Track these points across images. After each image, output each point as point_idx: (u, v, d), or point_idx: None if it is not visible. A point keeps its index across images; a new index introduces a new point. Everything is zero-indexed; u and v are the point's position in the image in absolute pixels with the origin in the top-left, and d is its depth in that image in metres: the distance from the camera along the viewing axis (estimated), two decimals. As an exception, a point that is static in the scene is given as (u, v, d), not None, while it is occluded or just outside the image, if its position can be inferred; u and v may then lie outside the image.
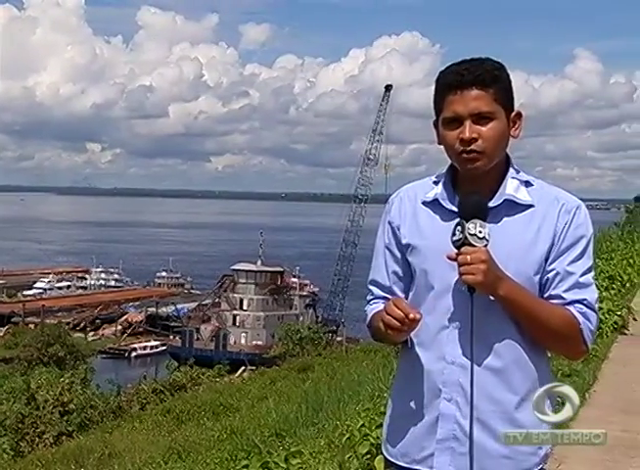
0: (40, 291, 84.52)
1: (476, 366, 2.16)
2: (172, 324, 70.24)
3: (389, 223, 2.36)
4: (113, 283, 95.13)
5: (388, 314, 2.13)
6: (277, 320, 63.11)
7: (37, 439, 20.07)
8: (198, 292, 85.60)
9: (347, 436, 5.39)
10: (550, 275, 2.20)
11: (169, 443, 12.76)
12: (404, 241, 2.31)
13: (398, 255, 2.34)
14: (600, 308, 8.67)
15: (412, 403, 2.27)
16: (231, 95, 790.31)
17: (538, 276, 2.20)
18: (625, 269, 12.94)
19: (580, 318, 2.18)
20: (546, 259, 2.20)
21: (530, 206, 2.21)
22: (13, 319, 70.63)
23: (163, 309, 74.63)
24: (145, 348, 66.18)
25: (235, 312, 65.80)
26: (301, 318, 64.61)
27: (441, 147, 2.26)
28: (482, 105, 2.16)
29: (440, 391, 2.21)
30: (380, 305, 2.32)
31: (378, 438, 4.76)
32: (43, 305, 71.36)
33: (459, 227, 2.13)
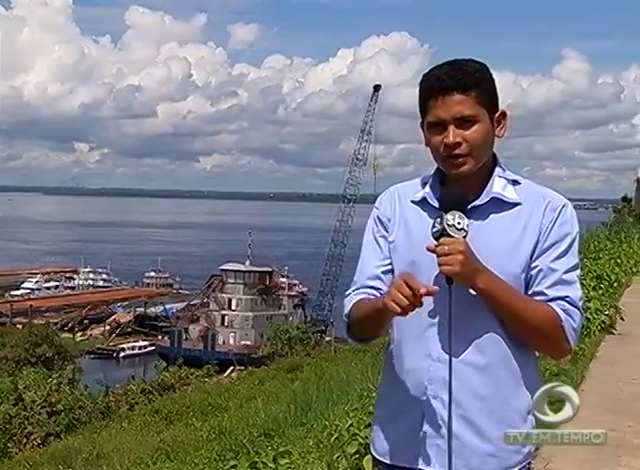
0: (28, 291, 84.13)
1: (460, 363, 2.16)
2: (161, 324, 69.93)
3: (379, 217, 2.37)
4: (101, 283, 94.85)
5: (398, 291, 2.05)
6: (266, 320, 62.88)
7: (25, 439, 20.03)
8: (186, 292, 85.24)
9: (336, 436, 5.39)
10: (534, 272, 2.20)
11: (158, 443, 12.75)
12: (390, 238, 2.32)
13: (386, 248, 2.34)
14: (587, 308, 8.74)
15: (399, 402, 2.27)
16: (219, 95, 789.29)
17: (524, 274, 2.20)
18: (613, 269, 13.01)
19: (562, 315, 2.16)
20: (531, 257, 2.20)
21: (517, 204, 2.22)
22: (0, 319, 70.21)
23: (152, 310, 74.45)
24: (133, 348, 66.00)
25: (223, 312, 65.59)
26: (290, 318, 64.35)
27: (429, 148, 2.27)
28: (465, 109, 2.16)
29: (426, 388, 2.21)
30: (362, 295, 2.31)
31: (366, 437, 4.77)
32: (31, 306, 70.72)
33: (438, 219, 2.13)
